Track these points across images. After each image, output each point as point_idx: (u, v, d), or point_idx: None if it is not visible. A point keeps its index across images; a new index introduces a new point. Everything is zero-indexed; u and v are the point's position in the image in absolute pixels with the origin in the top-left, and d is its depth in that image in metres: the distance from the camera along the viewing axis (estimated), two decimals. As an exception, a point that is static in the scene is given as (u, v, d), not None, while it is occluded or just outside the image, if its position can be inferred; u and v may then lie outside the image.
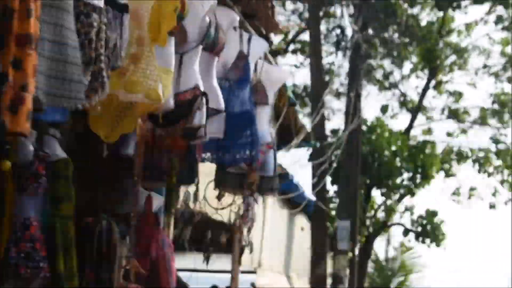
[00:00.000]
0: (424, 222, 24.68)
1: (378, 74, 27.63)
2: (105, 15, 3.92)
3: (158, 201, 5.53)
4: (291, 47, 26.29)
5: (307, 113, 23.33)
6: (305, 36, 25.18)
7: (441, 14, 26.23)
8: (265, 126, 6.26)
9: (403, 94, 27.30)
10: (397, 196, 24.60)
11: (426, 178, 24.28)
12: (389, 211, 24.47)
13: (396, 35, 26.00)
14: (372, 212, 24.66)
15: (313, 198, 17.37)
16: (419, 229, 24.82)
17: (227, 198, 6.46)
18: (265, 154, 6.15)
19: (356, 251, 21.06)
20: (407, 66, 27.37)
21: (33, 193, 4.04)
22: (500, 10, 25.66)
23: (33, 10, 3.36)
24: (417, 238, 24.88)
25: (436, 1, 24.71)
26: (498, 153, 26.02)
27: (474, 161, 26.61)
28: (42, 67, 3.45)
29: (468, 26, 26.61)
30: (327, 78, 23.17)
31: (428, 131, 26.98)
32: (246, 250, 7.09)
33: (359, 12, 21.80)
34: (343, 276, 20.51)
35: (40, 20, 3.42)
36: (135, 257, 5.16)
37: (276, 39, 25.51)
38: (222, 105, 5.40)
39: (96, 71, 3.82)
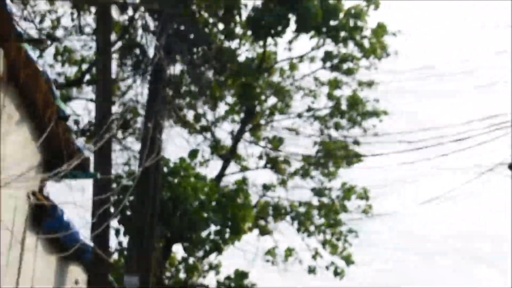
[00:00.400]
0: (232, 284, 20.95)
1: (189, 115, 24.04)
2: None
3: None
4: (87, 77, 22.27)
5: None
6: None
7: (261, 50, 23.07)
8: None
9: (215, 139, 23.71)
10: (201, 253, 20.75)
11: (237, 232, 20.64)
12: (192, 269, 20.58)
13: (210, 71, 22.64)
14: (173, 269, 20.69)
15: (90, 243, 13.44)
16: (226, 292, 21.07)
17: None
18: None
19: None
20: (222, 107, 23.97)
21: None
22: (329, 45, 22.72)
23: None
24: (223, 303, 21.11)
25: (254, 30, 21.37)
26: (320, 208, 22.77)
27: (293, 218, 23.30)
28: None
29: (292, 65, 23.53)
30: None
31: (242, 181, 23.30)
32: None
33: (162, 30, 18.18)
34: None
35: None
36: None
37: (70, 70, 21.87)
38: None
39: None
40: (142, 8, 19.17)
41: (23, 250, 10.44)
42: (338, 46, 22.71)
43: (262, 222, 22.91)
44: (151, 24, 18.93)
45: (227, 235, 20.48)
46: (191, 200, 20.07)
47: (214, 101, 23.39)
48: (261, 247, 22.77)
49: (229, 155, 23.14)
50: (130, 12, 19.95)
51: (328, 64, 22.99)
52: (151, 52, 19.03)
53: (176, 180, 19.99)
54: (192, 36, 19.89)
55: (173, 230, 19.91)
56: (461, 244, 43.58)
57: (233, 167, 23.65)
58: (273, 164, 23.40)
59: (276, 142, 23.44)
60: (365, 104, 23.01)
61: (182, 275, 21.01)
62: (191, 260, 20.70)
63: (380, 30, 22.32)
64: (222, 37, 22.39)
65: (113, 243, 19.88)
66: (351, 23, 21.95)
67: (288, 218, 23.30)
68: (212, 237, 20.53)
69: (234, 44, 22.87)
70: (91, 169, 12.86)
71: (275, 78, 23.65)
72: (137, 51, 19.26)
